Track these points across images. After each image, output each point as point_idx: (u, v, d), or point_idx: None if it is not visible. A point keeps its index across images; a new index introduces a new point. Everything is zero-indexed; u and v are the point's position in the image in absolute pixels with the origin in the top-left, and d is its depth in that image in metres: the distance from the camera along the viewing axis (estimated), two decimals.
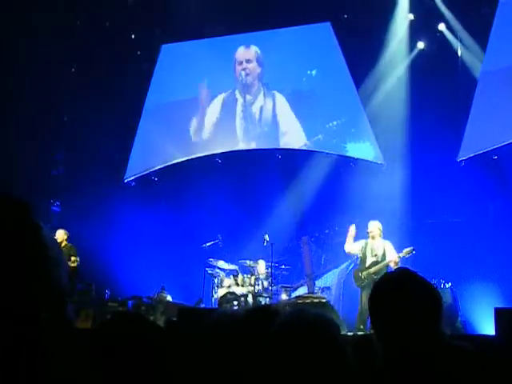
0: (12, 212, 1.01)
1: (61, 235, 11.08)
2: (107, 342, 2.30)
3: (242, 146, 14.36)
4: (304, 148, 13.77)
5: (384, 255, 9.86)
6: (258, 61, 14.44)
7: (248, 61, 14.43)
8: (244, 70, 14.40)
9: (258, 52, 14.43)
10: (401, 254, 9.74)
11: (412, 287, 2.23)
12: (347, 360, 1.49)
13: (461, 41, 12.78)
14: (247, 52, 14.50)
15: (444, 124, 12.19)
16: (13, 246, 0.97)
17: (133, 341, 2.33)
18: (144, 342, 2.38)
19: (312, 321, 1.51)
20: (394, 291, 2.21)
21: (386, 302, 2.15)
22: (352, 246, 10.22)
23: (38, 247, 1.00)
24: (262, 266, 11.98)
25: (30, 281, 0.97)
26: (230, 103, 14.61)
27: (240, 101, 14.54)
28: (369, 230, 10.14)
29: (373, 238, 10.05)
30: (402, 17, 13.14)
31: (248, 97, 14.47)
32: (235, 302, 11.39)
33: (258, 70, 14.42)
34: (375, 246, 9.99)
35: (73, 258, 10.77)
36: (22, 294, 0.96)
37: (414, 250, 9.75)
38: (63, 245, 11.00)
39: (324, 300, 10.02)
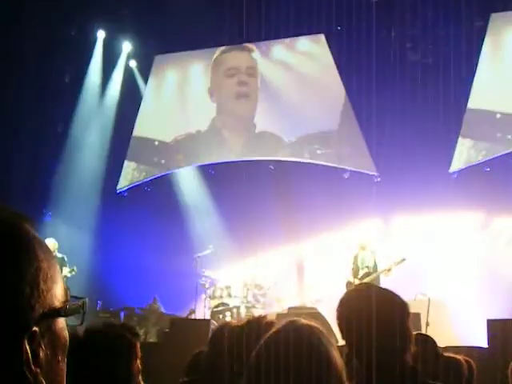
0: (6, 225, 0.99)
1: (49, 245, 10.83)
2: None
3: (234, 156, 14.34)
4: (297, 159, 13.77)
5: (375, 266, 9.88)
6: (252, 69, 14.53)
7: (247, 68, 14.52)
8: (239, 79, 14.47)
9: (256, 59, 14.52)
10: (393, 265, 9.76)
11: (377, 303, 2.20)
12: (338, 372, 1.48)
13: (454, 53, 12.84)
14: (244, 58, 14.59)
15: (437, 135, 12.22)
16: (5, 260, 0.95)
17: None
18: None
19: (302, 332, 1.50)
20: (360, 309, 2.19)
21: (355, 319, 2.14)
22: (348, 272, 10.17)
23: (32, 261, 0.98)
24: (254, 278, 11.97)
25: (23, 295, 0.95)
26: (222, 113, 14.63)
27: (233, 111, 14.56)
28: (359, 242, 10.17)
29: (363, 249, 10.08)
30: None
31: (241, 106, 14.49)
32: (227, 314, 11.37)
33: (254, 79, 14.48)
34: (366, 257, 10.02)
35: (64, 269, 10.61)
36: (10, 308, 0.94)
37: (404, 259, 9.77)
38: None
39: (316, 311, 10.01)
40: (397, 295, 2.33)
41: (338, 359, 1.49)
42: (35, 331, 0.93)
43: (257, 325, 2.37)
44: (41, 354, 0.94)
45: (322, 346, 1.48)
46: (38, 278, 0.96)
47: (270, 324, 1.97)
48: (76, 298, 1.04)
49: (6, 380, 0.90)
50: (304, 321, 1.57)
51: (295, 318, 1.58)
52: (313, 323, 1.56)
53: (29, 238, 0.98)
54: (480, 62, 12.48)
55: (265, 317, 2.68)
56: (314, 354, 1.44)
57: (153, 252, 13.81)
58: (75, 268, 10.80)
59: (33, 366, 0.93)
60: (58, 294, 0.99)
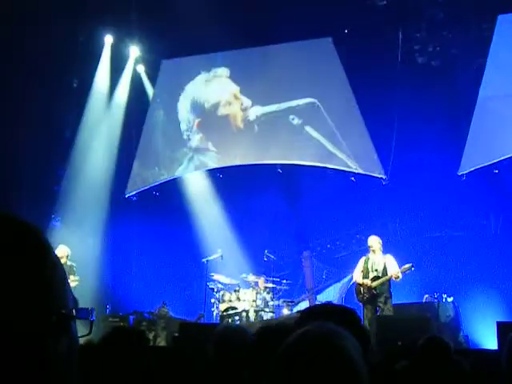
0: (18, 233, 1.01)
1: (62, 252, 10.76)
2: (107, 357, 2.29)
3: (241, 160, 14.34)
4: (304, 162, 13.76)
5: (385, 270, 9.85)
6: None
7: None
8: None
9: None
10: (401, 270, 9.74)
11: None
12: (362, 377, 1.46)
13: (461, 55, 12.82)
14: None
15: (445, 138, 12.21)
16: (19, 266, 0.97)
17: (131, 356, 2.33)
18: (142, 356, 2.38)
19: (320, 342, 1.48)
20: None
21: None
22: (358, 274, 10.17)
23: (45, 266, 1.00)
24: (263, 281, 11.96)
25: (35, 301, 0.97)
26: (229, 117, 14.64)
27: (238, 116, 14.56)
28: (369, 245, 10.15)
29: (373, 252, 10.05)
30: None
31: (246, 112, 14.50)
32: (236, 317, 11.36)
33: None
34: (376, 260, 9.98)
35: (72, 278, 10.54)
36: (26, 314, 0.96)
37: (413, 266, 9.78)
38: (63, 262, 10.75)
39: None
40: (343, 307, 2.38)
41: (362, 366, 1.48)
42: (55, 331, 0.96)
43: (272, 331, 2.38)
44: (60, 352, 0.97)
45: (348, 352, 1.46)
46: (54, 283, 0.99)
47: (286, 331, 1.96)
48: (83, 309, 1.07)
49: (27, 374, 0.93)
50: (330, 325, 1.54)
51: (320, 323, 1.56)
52: (338, 328, 1.54)
53: (44, 245, 1.01)
54: (488, 63, 12.44)
55: (280, 323, 2.69)
56: (340, 361, 1.43)
57: (162, 256, 13.85)
58: (79, 278, 10.77)
59: (53, 363, 0.95)
60: (69, 298, 1.02)
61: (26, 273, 0.95)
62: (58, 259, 1.04)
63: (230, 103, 14.67)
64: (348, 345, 1.45)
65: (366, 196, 12.96)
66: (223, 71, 14.78)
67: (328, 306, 2.61)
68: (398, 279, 9.76)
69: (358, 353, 1.46)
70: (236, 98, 14.62)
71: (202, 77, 15.00)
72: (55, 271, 1.00)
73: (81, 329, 1.09)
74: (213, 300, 11.94)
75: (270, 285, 11.92)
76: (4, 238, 0.96)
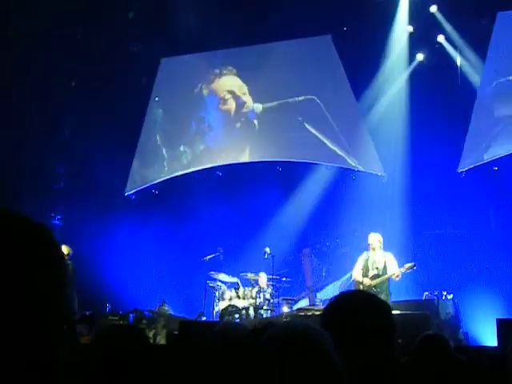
0: (33, 235, 1.01)
1: (64, 251, 10.72)
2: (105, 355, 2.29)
3: (242, 158, 14.35)
4: (304, 160, 13.76)
5: (385, 268, 9.82)
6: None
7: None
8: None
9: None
10: (402, 269, 9.71)
11: (361, 311, 2.14)
12: (339, 372, 1.47)
13: (460, 52, 12.81)
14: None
15: (444, 135, 12.20)
16: (26, 265, 0.97)
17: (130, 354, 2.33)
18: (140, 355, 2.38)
19: (300, 333, 1.50)
20: (344, 315, 2.14)
21: (338, 325, 2.09)
22: (358, 272, 10.14)
23: (51, 267, 1.00)
24: (263, 279, 11.96)
25: (41, 303, 0.97)
26: (230, 116, 14.64)
27: (237, 113, 14.56)
28: (369, 243, 10.11)
29: (373, 249, 10.01)
30: (402, 29, 13.16)
31: (246, 109, 14.49)
32: (236, 315, 11.37)
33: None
34: (376, 258, 9.95)
35: None
36: (30, 315, 0.96)
37: (415, 265, 9.74)
38: None
39: None
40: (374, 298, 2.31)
41: (338, 360, 1.49)
42: (63, 329, 0.97)
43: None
44: (62, 354, 0.97)
45: (322, 346, 1.48)
46: (64, 283, 0.99)
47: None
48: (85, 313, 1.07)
49: (27, 375, 0.93)
50: (302, 322, 1.56)
51: (293, 319, 1.58)
52: (310, 324, 1.56)
53: (56, 245, 1.01)
54: (487, 60, 12.44)
55: (275, 321, 2.70)
56: (313, 355, 1.44)
57: (162, 255, 13.83)
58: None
59: (55, 365, 0.96)
60: (74, 299, 1.03)
61: (38, 275, 0.95)
62: (65, 261, 1.04)
63: (227, 101, 14.66)
64: (324, 340, 1.47)
65: (366, 193, 12.95)
66: (226, 69, 14.76)
67: (358, 293, 2.55)
68: (398, 278, 9.73)
69: (333, 351, 1.47)
70: (234, 95, 14.61)
71: (202, 75, 15.00)
72: (65, 273, 1.01)
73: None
74: (213, 298, 11.95)
75: (270, 283, 11.94)
76: (18, 240, 0.96)
